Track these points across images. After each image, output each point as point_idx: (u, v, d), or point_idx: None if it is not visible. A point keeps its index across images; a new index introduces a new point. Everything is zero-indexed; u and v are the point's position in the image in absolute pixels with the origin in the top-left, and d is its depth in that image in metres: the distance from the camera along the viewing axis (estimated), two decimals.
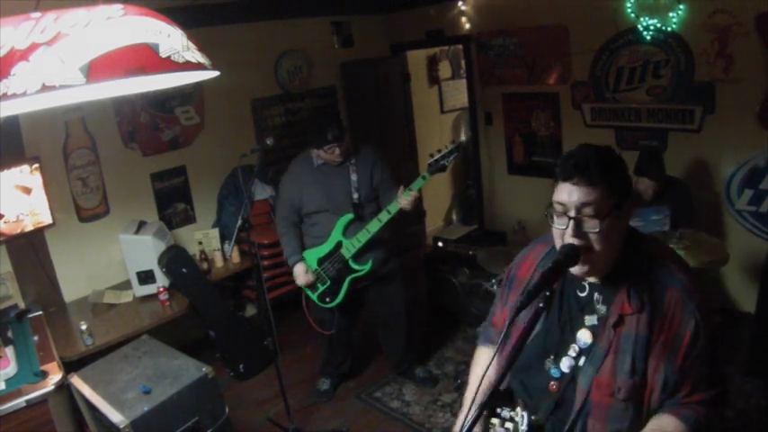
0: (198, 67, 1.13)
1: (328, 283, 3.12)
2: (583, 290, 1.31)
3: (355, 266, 3.06)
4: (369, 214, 3.06)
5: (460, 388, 3.38)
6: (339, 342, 3.41)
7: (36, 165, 3.27)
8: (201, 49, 1.17)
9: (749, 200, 3.47)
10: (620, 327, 1.22)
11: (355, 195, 3.04)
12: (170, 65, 1.06)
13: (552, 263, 1.20)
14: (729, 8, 3.26)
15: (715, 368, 1.23)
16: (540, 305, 1.15)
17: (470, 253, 4.03)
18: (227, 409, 2.47)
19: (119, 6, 1.07)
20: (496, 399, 1.41)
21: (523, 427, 1.33)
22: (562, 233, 1.22)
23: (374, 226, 2.94)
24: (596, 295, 1.28)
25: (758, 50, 3.22)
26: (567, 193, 1.20)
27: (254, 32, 4.36)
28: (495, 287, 3.29)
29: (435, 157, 2.82)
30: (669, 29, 3.52)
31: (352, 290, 3.13)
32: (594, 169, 1.18)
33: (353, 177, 3.04)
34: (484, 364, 1.52)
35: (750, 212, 3.48)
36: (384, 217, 2.91)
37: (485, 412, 1.37)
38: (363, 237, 2.97)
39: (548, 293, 1.16)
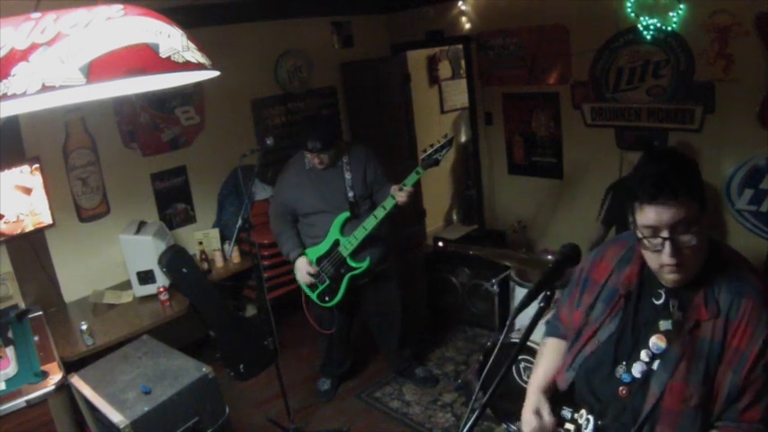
0: (198, 67, 1.13)
1: (327, 281, 3.12)
2: (659, 297, 1.29)
3: (353, 264, 3.07)
4: (364, 212, 3.06)
5: (461, 388, 3.39)
6: (339, 342, 3.42)
7: (36, 165, 3.27)
8: (201, 49, 1.17)
9: (749, 199, 3.46)
10: (696, 331, 1.20)
11: (350, 194, 3.05)
12: (170, 65, 1.06)
13: (552, 263, 1.21)
14: (729, 8, 3.25)
15: None
16: (541, 305, 1.15)
17: (470, 253, 4.03)
18: (227, 409, 2.47)
19: (119, 6, 1.07)
20: (558, 398, 1.42)
21: (587, 431, 1.33)
22: (658, 254, 1.19)
23: (370, 223, 2.95)
24: (672, 301, 1.26)
25: (758, 50, 3.22)
26: (656, 215, 1.16)
27: (254, 32, 4.36)
28: (494, 287, 3.28)
29: (428, 152, 2.86)
30: (669, 29, 3.52)
31: (350, 288, 3.14)
32: (677, 183, 1.14)
33: (347, 176, 3.05)
34: (548, 355, 1.53)
35: (750, 212, 3.48)
36: (380, 213, 2.92)
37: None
38: (360, 234, 2.98)
39: (548, 293, 1.16)
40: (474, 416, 1.07)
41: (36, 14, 1.05)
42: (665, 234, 1.16)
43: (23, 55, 1.00)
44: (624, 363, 1.29)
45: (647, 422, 1.22)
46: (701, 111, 3.53)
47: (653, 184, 1.15)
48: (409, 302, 3.42)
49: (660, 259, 1.19)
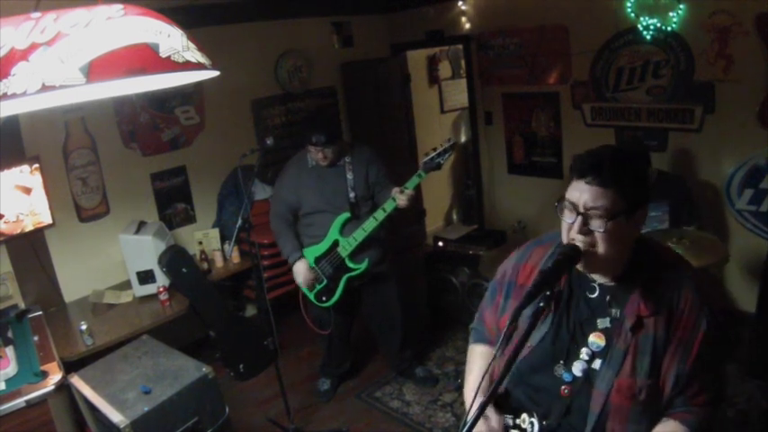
0: (198, 66, 1.13)
1: (325, 282, 3.13)
2: (593, 291, 1.30)
3: (351, 265, 3.07)
4: (365, 213, 3.07)
5: (461, 388, 3.38)
6: (338, 342, 3.42)
7: (36, 165, 3.27)
8: (201, 49, 1.17)
9: (749, 199, 3.46)
10: (638, 328, 1.22)
11: (352, 194, 3.05)
12: (170, 65, 1.06)
13: (552, 263, 1.21)
14: (729, 8, 3.26)
15: (718, 369, 1.27)
16: (540, 305, 1.15)
17: (470, 253, 4.03)
18: (227, 409, 2.47)
19: (119, 6, 1.07)
20: (497, 404, 1.40)
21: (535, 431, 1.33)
22: (569, 228, 1.23)
23: (370, 224, 2.95)
24: (608, 297, 1.28)
25: (758, 50, 3.22)
26: (579, 191, 1.21)
27: (254, 32, 4.36)
28: None
29: (430, 155, 2.85)
30: (669, 29, 3.52)
31: (348, 289, 3.14)
32: (608, 171, 1.17)
33: (349, 176, 3.05)
34: (480, 363, 1.52)
35: (750, 212, 3.48)
36: (380, 215, 2.92)
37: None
38: (360, 235, 2.97)
39: (547, 293, 1.16)
40: (474, 416, 1.07)
41: (36, 14, 1.05)
42: (580, 210, 1.20)
43: (23, 55, 1.00)
44: (562, 362, 1.30)
45: (599, 421, 1.23)
46: (700, 111, 3.54)
47: (586, 163, 1.20)
48: (409, 302, 3.41)
49: (570, 234, 1.23)
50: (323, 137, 2.90)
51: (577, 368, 1.28)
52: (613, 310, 1.27)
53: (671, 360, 1.21)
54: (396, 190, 2.87)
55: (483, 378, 1.27)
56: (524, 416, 1.36)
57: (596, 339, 1.27)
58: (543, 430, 1.32)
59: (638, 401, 1.20)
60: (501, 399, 1.41)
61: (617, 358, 1.23)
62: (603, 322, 1.27)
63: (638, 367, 1.21)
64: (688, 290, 1.23)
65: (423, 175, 2.85)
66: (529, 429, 1.34)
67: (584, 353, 1.28)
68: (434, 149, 2.85)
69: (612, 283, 1.28)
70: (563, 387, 1.29)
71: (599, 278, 1.29)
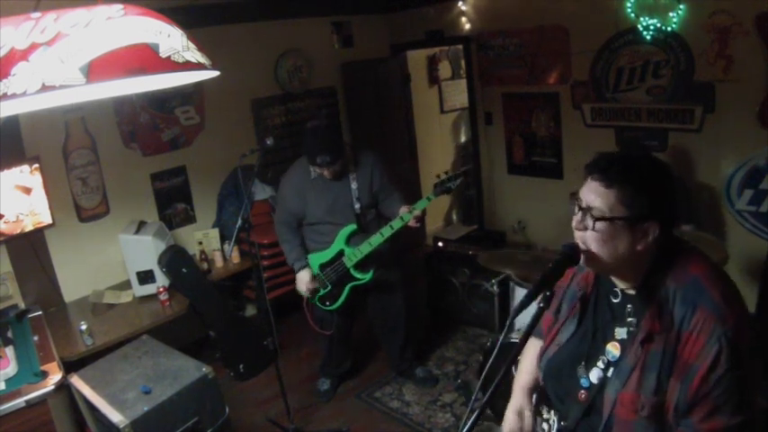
0: (198, 67, 1.13)
1: (329, 287, 3.12)
2: (616, 296, 1.29)
3: (357, 275, 3.07)
4: (370, 221, 3.08)
5: (461, 388, 3.39)
6: (339, 342, 3.42)
7: (36, 165, 3.27)
8: (201, 49, 1.17)
9: (749, 200, 3.46)
10: (648, 344, 1.19)
11: (357, 206, 3.04)
12: (170, 65, 1.06)
13: (552, 263, 1.21)
14: (729, 8, 3.26)
15: (741, 395, 1.12)
16: (541, 305, 1.15)
17: (470, 253, 4.03)
18: (227, 409, 2.47)
19: (119, 6, 1.07)
20: (540, 395, 1.45)
21: (554, 430, 1.37)
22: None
23: (377, 240, 2.93)
24: (628, 307, 1.26)
25: (758, 50, 3.22)
26: (586, 189, 1.21)
27: (254, 32, 4.36)
28: (494, 287, 3.28)
29: (442, 179, 2.86)
30: (669, 29, 3.52)
31: (351, 294, 3.14)
32: (613, 171, 1.16)
33: (354, 186, 3.03)
34: (530, 355, 1.54)
35: (750, 212, 3.48)
36: (387, 231, 2.91)
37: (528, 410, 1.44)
38: (365, 249, 2.97)
39: (548, 293, 1.16)
40: (474, 416, 1.07)
41: (36, 14, 1.05)
42: (582, 204, 1.21)
43: (23, 55, 1.00)
44: (584, 363, 1.30)
45: (606, 429, 1.23)
46: (700, 111, 3.54)
47: (597, 162, 1.20)
48: (410, 303, 3.42)
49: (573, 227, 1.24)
50: (328, 157, 2.83)
51: (594, 375, 1.28)
52: (631, 321, 1.24)
53: (675, 382, 1.15)
54: (404, 209, 2.87)
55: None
56: (552, 411, 1.39)
57: (612, 349, 1.26)
58: (561, 430, 1.35)
59: (641, 417, 1.18)
60: (543, 391, 1.45)
61: (624, 371, 1.21)
62: (621, 333, 1.26)
63: (644, 383, 1.17)
64: (703, 310, 1.13)
65: (432, 197, 2.86)
66: (552, 425, 1.38)
67: (600, 361, 1.28)
68: (446, 173, 2.87)
69: (633, 292, 1.26)
70: (581, 392, 1.30)
71: (619, 284, 1.28)
